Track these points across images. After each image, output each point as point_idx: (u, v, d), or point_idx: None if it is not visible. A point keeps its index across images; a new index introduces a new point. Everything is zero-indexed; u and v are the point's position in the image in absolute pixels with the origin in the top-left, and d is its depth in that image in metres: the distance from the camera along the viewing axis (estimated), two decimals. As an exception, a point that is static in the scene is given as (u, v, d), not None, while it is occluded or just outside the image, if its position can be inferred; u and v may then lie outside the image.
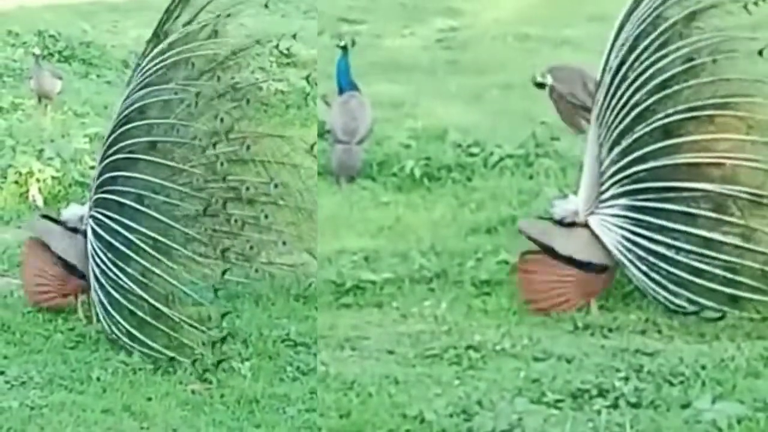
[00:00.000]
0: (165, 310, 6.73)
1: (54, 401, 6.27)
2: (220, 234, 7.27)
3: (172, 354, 6.66)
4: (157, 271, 6.80)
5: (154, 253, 6.81)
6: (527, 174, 9.04)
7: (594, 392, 6.01)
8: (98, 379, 6.55)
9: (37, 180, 9.35)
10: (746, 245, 6.71)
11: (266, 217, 7.54)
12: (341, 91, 9.33)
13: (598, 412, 5.85)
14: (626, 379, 6.13)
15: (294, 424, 6.14)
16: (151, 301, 6.76)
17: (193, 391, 6.46)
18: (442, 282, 7.47)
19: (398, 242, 8.02)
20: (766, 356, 6.37)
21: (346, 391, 6.09)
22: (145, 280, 6.81)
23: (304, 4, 15.07)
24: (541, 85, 9.72)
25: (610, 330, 6.80)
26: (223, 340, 6.67)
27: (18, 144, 10.02)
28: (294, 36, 7.57)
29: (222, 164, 7.21)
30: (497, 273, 7.44)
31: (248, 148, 7.41)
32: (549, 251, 7.04)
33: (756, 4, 6.98)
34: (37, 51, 11.89)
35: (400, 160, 9.18)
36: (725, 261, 6.70)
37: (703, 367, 6.23)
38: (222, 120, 7.15)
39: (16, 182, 9.45)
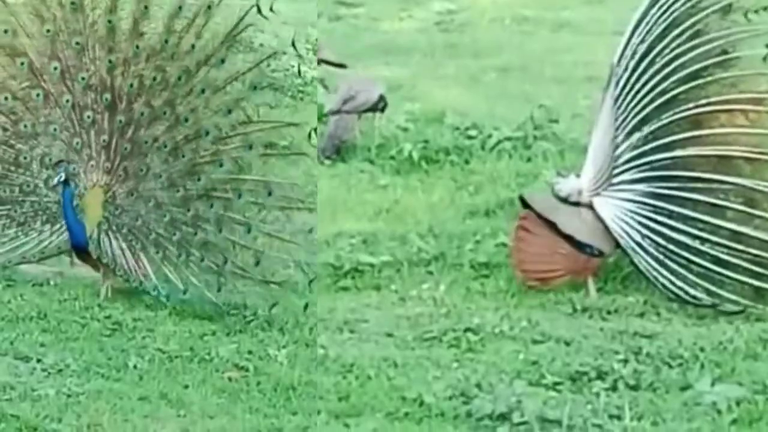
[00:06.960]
0: None
1: (91, 389, 6.21)
2: None
3: None
4: None
5: None
6: (525, 156, 9.01)
7: (593, 375, 6.01)
8: (135, 366, 6.49)
9: None
10: None
11: None
12: None
13: (597, 395, 5.85)
14: (625, 361, 6.13)
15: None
16: None
17: (230, 379, 6.43)
18: (441, 265, 7.46)
19: (396, 225, 8.01)
20: (765, 338, 6.38)
21: (345, 373, 6.09)
22: None
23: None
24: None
25: (609, 312, 6.80)
26: None
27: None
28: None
29: None
30: (496, 255, 7.44)
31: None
32: (551, 226, 7.04)
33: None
34: None
35: (398, 143, 9.15)
36: (754, 255, 6.66)
37: (702, 350, 6.24)
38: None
39: None
